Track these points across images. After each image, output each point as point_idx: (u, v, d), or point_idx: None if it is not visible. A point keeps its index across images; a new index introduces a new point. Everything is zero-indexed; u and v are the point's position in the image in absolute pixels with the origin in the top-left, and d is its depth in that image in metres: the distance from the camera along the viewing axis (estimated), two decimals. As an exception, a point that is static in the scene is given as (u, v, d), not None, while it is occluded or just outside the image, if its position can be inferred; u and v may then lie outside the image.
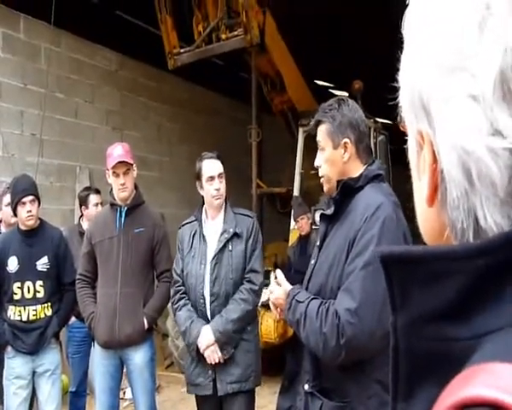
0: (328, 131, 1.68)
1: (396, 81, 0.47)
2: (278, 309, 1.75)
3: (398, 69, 0.47)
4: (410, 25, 0.44)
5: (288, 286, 1.72)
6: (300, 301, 1.61)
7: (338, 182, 1.65)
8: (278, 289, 1.73)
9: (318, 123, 1.73)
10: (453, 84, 0.39)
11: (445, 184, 0.41)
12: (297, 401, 1.72)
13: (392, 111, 0.52)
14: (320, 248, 1.70)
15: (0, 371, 3.15)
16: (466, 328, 0.36)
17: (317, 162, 1.75)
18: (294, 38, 6.78)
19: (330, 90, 10.58)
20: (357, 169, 1.68)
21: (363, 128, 1.71)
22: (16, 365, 3.05)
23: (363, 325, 1.47)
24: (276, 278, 1.77)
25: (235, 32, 5.73)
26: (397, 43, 0.49)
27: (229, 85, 8.57)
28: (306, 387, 1.64)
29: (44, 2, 5.60)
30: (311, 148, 1.79)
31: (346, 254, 1.56)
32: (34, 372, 3.09)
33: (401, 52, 0.46)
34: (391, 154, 7.02)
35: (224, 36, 5.81)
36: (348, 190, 1.63)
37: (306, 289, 1.71)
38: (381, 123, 6.63)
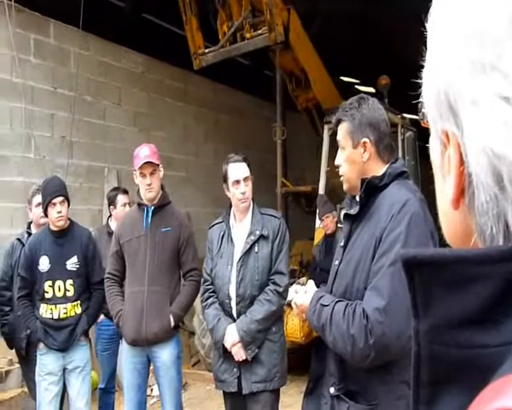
0: (348, 130, 1.66)
1: (420, 76, 0.46)
2: (302, 313, 1.73)
3: (421, 63, 0.46)
4: (436, 20, 0.42)
5: (312, 290, 1.69)
6: (325, 305, 1.58)
7: (362, 181, 1.62)
8: (301, 293, 1.71)
9: (339, 122, 1.71)
10: (483, 85, 0.37)
11: (472, 187, 0.39)
12: (322, 404, 1.69)
13: (416, 94, 0.51)
14: (344, 248, 1.68)
15: (32, 367, 3.25)
16: (496, 334, 0.35)
17: (337, 161, 1.74)
18: (319, 33, 6.73)
19: (356, 87, 10.46)
20: (378, 168, 1.65)
21: (383, 128, 1.68)
22: (48, 361, 3.13)
23: (392, 324, 1.44)
24: (302, 285, 1.75)
25: (260, 31, 5.74)
26: (424, 38, 0.48)
27: (253, 84, 8.59)
28: (332, 390, 1.61)
29: (73, 7, 5.74)
30: (337, 145, 1.76)
31: (372, 252, 1.53)
32: (65, 369, 3.17)
33: (426, 47, 0.45)
34: (419, 150, 6.88)
35: (248, 35, 5.82)
36: (372, 188, 1.60)
37: (331, 290, 1.68)
38: (409, 119, 6.50)
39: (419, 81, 0.47)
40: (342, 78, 9.65)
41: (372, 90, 8.78)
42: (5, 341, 3.64)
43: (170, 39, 7.09)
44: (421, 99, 0.46)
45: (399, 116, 6.24)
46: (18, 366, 4.29)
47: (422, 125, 0.49)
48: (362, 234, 1.61)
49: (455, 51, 0.39)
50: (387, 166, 1.65)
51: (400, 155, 6.01)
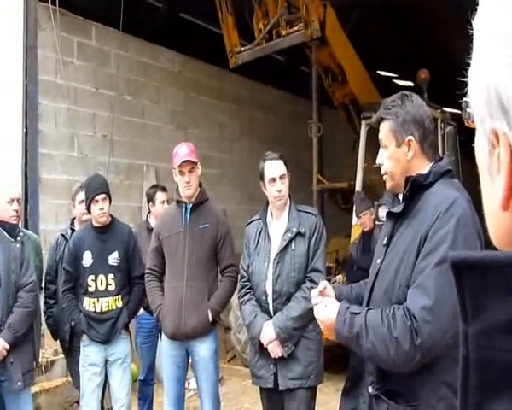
0: (391, 128, 1.63)
1: (465, 74, 0.45)
2: (328, 331, 1.63)
3: (467, 61, 0.45)
4: (485, 19, 0.42)
5: (335, 302, 1.63)
6: (357, 313, 1.53)
7: (406, 179, 1.58)
8: (321, 307, 1.64)
9: (380, 120, 1.68)
10: None
11: None
12: (360, 403, 1.68)
13: (461, 93, 0.50)
14: (387, 246, 1.64)
15: (76, 358, 3.37)
16: None
17: (379, 160, 1.70)
18: (356, 27, 6.63)
19: (394, 81, 10.24)
20: (422, 166, 1.62)
21: (427, 124, 1.64)
22: (90, 352, 3.24)
23: (439, 324, 1.40)
24: (321, 291, 1.68)
25: (296, 28, 5.71)
26: (467, 31, 0.47)
27: (288, 80, 8.56)
28: (370, 389, 1.58)
29: (113, 9, 5.90)
30: (374, 141, 1.74)
31: (416, 251, 1.49)
32: (107, 360, 3.27)
33: (471, 42, 0.44)
34: (460, 145, 6.67)
35: (284, 32, 5.80)
36: (417, 186, 1.57)
37: (372, 288, 1.65)
38: (450, 113, 6.31)
39: (462, 76, 0.46)
40: (379, 72, 9.47)
41: (411, 84, 8.58)
42: (50, 332, 3.78)
43: (206, 37, 7.16)
44: (466, 98, 0.45)
45: (439, 110, 6.07)
46: (62, 356, 4.45)
47: (467, 124, 0.48)
48: (405, 233, 1.58)
49: (507, 50, 0.39)
50: (432, 164, 1.62)
51: (440, 150, 5.85)
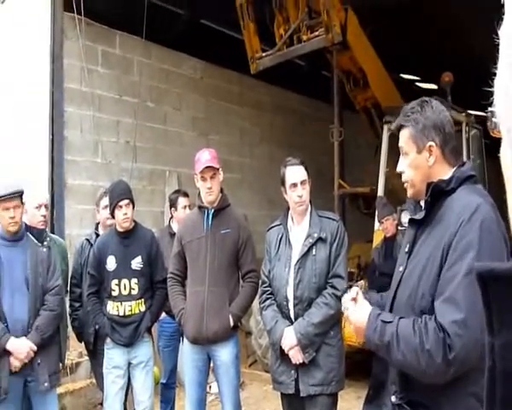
0: (412, 135, 1.61)
1: (491, 83, 0.45)
2: (358, 332, 1.62)
3: (493, 70, 0.45)
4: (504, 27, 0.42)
5: (366, 306, 1.62)
6: (388, 322, 1.51)
7: (428, 185, 1.57)
8: (356, 311, 1.62)
9: (400, 127, 1.66)
10: None
11: None
12: None
13: (487, 103, 0.50)
14: (409, 253, 1.62)
15: (100, 360, 3.42)
16: None
17: (399, 168, 1.69)
18: (378, 30, 6.58)
19: (417, 84, 10.11)
20: (444, 172, 1.59)
21: (449, 129, 1.61)
22: (114, 355, 3.29)
23: (472, 336, 1.36)
24: (354, 298, 1.66)
25: (317, 32, 5.70)
26: (492, 32, 0.46)
27: (309, 85, 8.55)
28: (394, 399, 1.56)
29: (136, 18, 6.01)
30: (397, 145, 1.72)
31: (439, 260, 1.46)
32: (130, 363, 3.31)
33: (496, 48, 0.44)
34: (485, 149, 6.55)
35: (305, 37, 5.80)
36: (439, 192, 1.55)
37: (394, 296, 1.63)
38: (475, 116, 6.20)
39: (487, 79, 0.46)
40: (402, 75, 9.37)
41: (434, 87, 8.46)
42: (75, 335, 3.85)
43: (227, 44, 7.23)
44: (491, 108, 0.45)
45: (464, 114, 5.97)
46: (87, 358, 4.53)
47: (492, 134, 0.48)
48: (428, 240, 1.55)
49: (508, 50, 0.38)
50: (454, 169, 1.59)
51: (465, 154, 5.75)
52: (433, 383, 1.45)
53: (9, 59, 6.73)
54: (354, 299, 1.66)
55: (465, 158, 5.58)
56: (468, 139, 5.94)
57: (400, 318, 1.50)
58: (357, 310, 1.62)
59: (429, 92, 8.59)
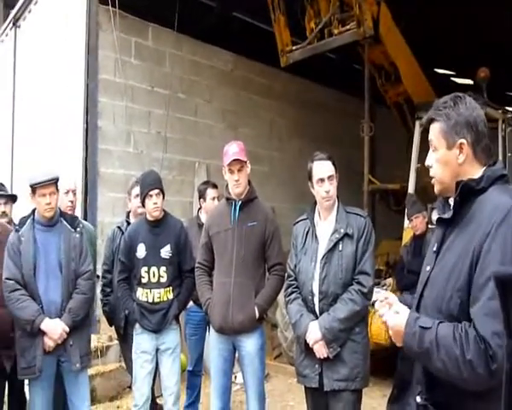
0: (442, 130, 1.58)
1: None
2: (397, 337, 1.58)
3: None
4: None
5: (403, 311, 1.58)
6: (427, 328, 1.47)
7: (457, 183, 1.53)
8: (392, 313, 1.59)
9: (431, 121, 1.62)
10: None
11: None
12: None
13: None
14: (437, 253, 1.59)
15: (129, 345, 3.52)
16: None
17: (428, 162, 1.65)
18: (412, 23, 6.44)
19: (452, 79, 9.86)
20: (474, 171, 1.55)
21: (481, 128, 1.57)
22: (142, 341, 3.37)
23: None
24: (384, 300, 1.63)
25: (348, 26, 5.64)
26: None
27: (340, 78, 8.46)
28: (419, 399, 1.54)
29: (169, 10, 6.08)
30: (429, 142, 1.69)
31: (469, 263, 1.43)
32: (157, 349, 3.38)
33: None
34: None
35: (336, 30, 5.74)
36: (468, 192, 1.51)
37: (421, 296, 1.60)
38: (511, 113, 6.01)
39: None
40: (436, 70, 9.15)
41: (470, 82, 8.24)
42: (106, 319, 3.97)
43: (257, 36, 7.22)
44: None
45: (500, 111, 5.79)
46: (117, 342, 4.66)
47: None
48: (457, 240, 1.52)
49: None
50: (485, 168, 1.55)
51: (501, 152, 5.58)
52: (478, 390, 1.41)
53: (47, 52, 6.95)
54: (388, 303, 1.62)
55: (501, 156, 5.42)
56: (504, 137, 5.76)
57: (439, 322, 1.46)
58: (395, 314, 1.58)
59: (464, 88, 8.36)
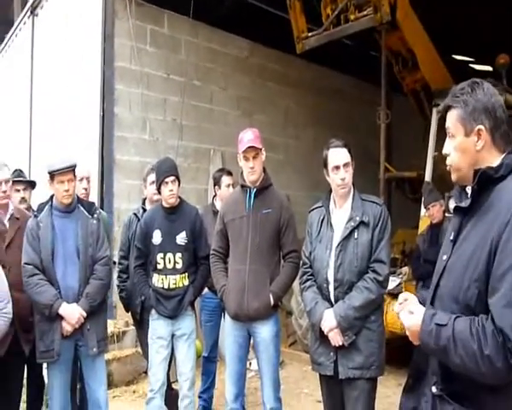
0: (460, 117, 1.54)
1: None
2: (414, 337, 1.57)
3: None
4: None
5: (420, 308, 1.57)
6: (443, 325, 1.46)
7: (475, 172, 1.50)
8: (407, 314, 1.58)
9: (448, 108, 1.59)
10: None
11: None
12: (422, 402, 1.61)
13: None
14: (454, 242, 1.57)
15: (145, 330, 3.56)
16: None
17: (445, 150, 1.62)
18: (430, 9, 6.30)
19: (471, 65, 9.64)
20: (492, 158, 1.52)
21: (500, 114, 1.53)
22: (158, 326, 3.41)
23: None
24: (404, 302, 1.62)
25: (365, 12, 5.54)
26: None
27: (356, 65, 8.34)
28: (434, 389, 1.53)
29: (185, -3, 6.04)
30: (446, 129, 1.66)
31: (487, 251, 1.41)
32: (173, 335, 3.41)
33: None
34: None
35: (352, 16, 5.64)
36: (486, 180, 1.48)
37: (437, 286, 1.58)
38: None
39: None
40: (455, 56, 8.95)
41: (489, 68, 8.05)
42: (123, 305, 4.02)
43: (273, 23, 7.15)
44: None
45: (520, 98, 5.65)
46: (133, 327, 4.73)
47: None
48: (474, 230, 1.49)
49: None
50: (504, 155, 1.52)
51: (520, 140, 5.45)
52: (497, 384, 1.40)
53: (64, 40, 6.99)
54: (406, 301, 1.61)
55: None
56: (524, 124, 5.63)
57: (456, 318, 1.45)
58: (410, 315, 1.57)
59: (483, 74, 8.17)
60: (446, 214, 4.71)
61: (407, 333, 1.60)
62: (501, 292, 1.35)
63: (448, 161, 1.62)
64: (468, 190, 1.58)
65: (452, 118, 1.58)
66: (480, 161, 1.53)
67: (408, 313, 1.57)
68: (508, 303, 1.34)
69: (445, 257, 1.59)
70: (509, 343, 1.32)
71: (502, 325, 1.33)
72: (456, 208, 1.60)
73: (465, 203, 1.55)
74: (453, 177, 1.62)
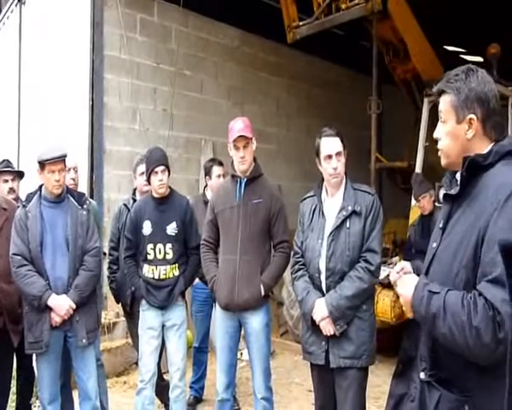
0: (452, 103, 1.54)
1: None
2: (406, 304, 1.58)
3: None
4: None
5: (414, 278, 1.58)
6: (436, 292, 1.46)
7: (464, 158, 1.49)
8: (404, 283, 1.59)
9: (441, 93, 1.58)
10: None
11: None
12: (411, 388, 1.62)
13: None
14: (443, 230, 1.57)
15: (136, 321, 3.54)
16: None
17: (436, 134, 1.61)
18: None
19: (462, 56, 9.66)
20: (483, 147, 1.52)
21: (493, 104, 1.52)
22: (149, 317, 3.40)
23: None
24: (401, 271, 1.64)
25: (356, 1, 5.51)
26: None
27: (347, 55, 8.32)
28: (423, 375, 1.54)
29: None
30: (437, 119, 1.65)
31: (475, 237, 1.41)
32: (164, 326, 3.40)
33: None
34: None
35: (343, 5, 5.61)
36: (475, 167, 1.48)
37: (427, 273, 1.59)
38: (522, 91, 5.88)
39: None
40: (446, 47, 8.96)
41: (480, 59, 8.06)
42: (113, 296, 3.99)
43: (264, 12, 7.08)
44: None
45: (510, 88, 5.68)
46: (123, 318, 4.71)
47: None
48: (463, 216, 1.50)
49: None
50: (493, 144, 1.52)
51: (510, 130, 5.49)
52: (482, 362, 1.39)
53: (52, 28, 6.87)
54: (405, 273, 1.63)
55: (510, 134, 5.33)
56: (514, 115, 5.66)
57: (448, 290, 1.44)
58: (405, 281, 1.59)
59: (474, 65, 8.17)
60: (437, 204, 4.73)
61: (401, 302, 1.61)
62: (490, 276, 1.36)
63: (439, 146, 1.61)
64: (458, 177, 1.57)
65: (445, 103, 1.57)
66: (470, 148, 1.53)
67: (402, 281, 1.59)
68: (495, 279, 1.34)
69: (434, 245, 1.60)
70: (499, 316, 1.32)
71: (493, 300, 1.34)
72: (446, 196, 1.60)
73: (454, 191, 1.55)
74: (442, 162, 1.62)
